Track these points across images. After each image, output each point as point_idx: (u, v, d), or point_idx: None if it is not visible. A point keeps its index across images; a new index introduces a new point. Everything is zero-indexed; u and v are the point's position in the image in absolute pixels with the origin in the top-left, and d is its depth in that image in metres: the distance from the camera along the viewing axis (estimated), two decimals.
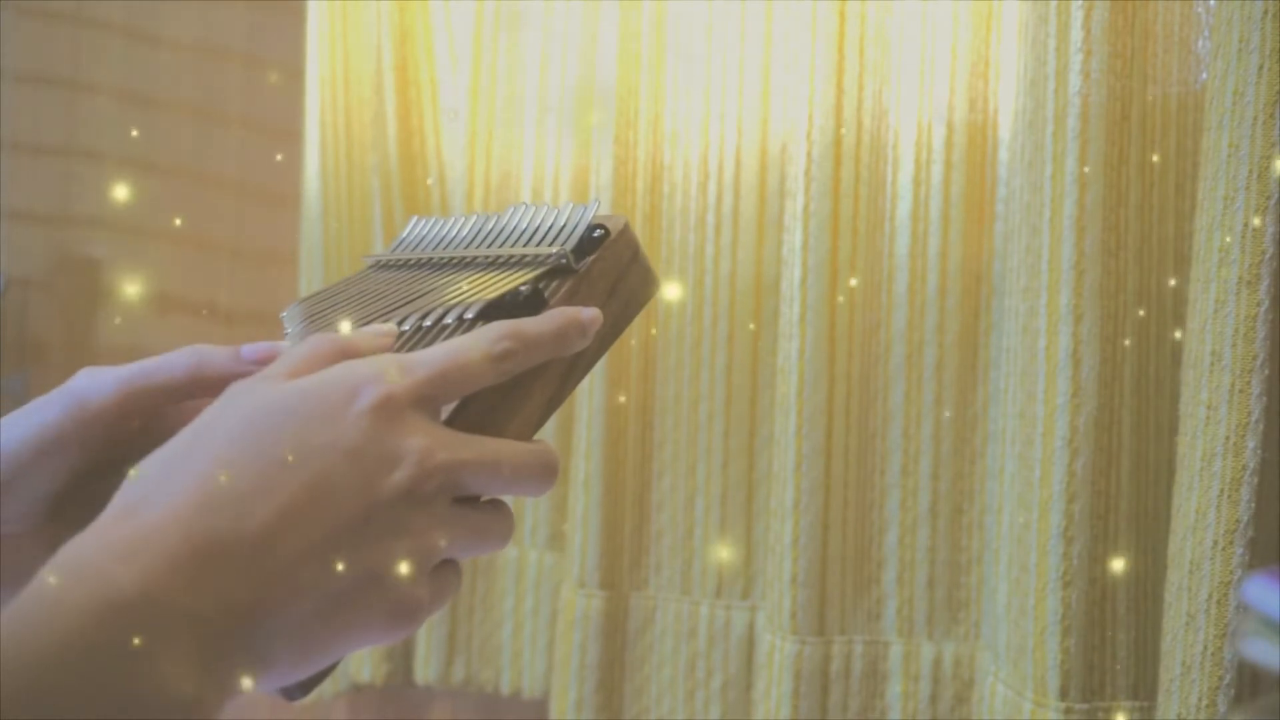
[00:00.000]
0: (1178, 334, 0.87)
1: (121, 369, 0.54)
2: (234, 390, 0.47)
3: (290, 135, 1.31)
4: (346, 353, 0.49)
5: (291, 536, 0.43)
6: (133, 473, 0.44)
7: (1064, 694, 0.86)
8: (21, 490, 0.53)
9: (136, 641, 0.39)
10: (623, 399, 1.11)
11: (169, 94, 1.46)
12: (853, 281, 1.01)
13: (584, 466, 1.11)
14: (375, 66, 1.25)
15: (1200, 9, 0.90)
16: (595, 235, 0.56)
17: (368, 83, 1.27)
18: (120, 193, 1.47)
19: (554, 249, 0.55)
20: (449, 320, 0.52)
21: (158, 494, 0.43)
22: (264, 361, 0.53)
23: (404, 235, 0.63)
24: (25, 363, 1.47)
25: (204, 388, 0.54)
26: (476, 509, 0.48)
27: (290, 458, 0.44)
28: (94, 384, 0.53)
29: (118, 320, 1.47)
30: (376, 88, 1.25)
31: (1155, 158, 0.88)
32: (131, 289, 1.48)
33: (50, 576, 0.40)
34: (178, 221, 1.45)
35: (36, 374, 1.46)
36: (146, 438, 0.53)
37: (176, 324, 1.44)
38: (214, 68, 1.46)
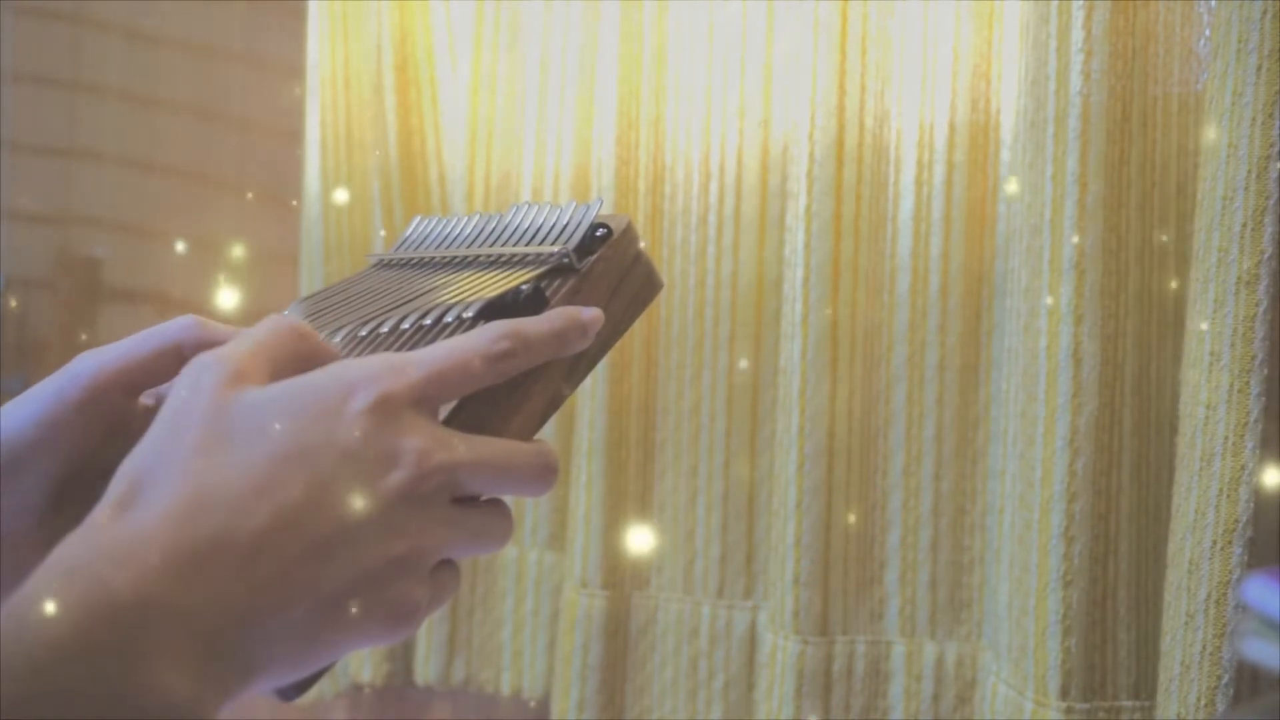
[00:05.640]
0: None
1: (121, 341, 0.53)
2: (200, 372, 0.46)
3: (290, 135, 1.31)
4: (305, 336, 0.48)
5: (288, 537, 0.42)
6: (121, 468, 0.44)
7: (1065, 693, 0.86)
8: (26, 476, 0.52)
9: (131, 644, 0.39)
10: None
11: (169, 94, 1.46)
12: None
13: (586, 467, 1.11)
14: (375, 66, 1.25)
15: (1200, 9, 0.90)
16: (598, 234, 0.56)
17: (368, 83, 1.27)
18: (120, 193, 1.47)
19: (556, 248, 0.55)
20: (449, 319, 0.52)
21: (150, 492, 0.42)
22: None
23: (407, 234, 0.63)
24: (25, 363, 1.47)
25: (205, 349, 0.54)
26: (476, 509, 0.48)
27: (286, 458, 0.43)
28: (95, 357, 0.53)
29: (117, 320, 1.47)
30: (376, 88, 1.25)
31: (1155, 158, 0.88)
32: (131, 289, 1.48)
33: (43, 579, 0.39)
34: (178, 221, 1.45)
35: (36, 374, 1.45)
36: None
37: None
38: (214, 68, 1.46)
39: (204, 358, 0.46)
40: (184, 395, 0.45)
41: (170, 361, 0.54)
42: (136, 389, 0.54)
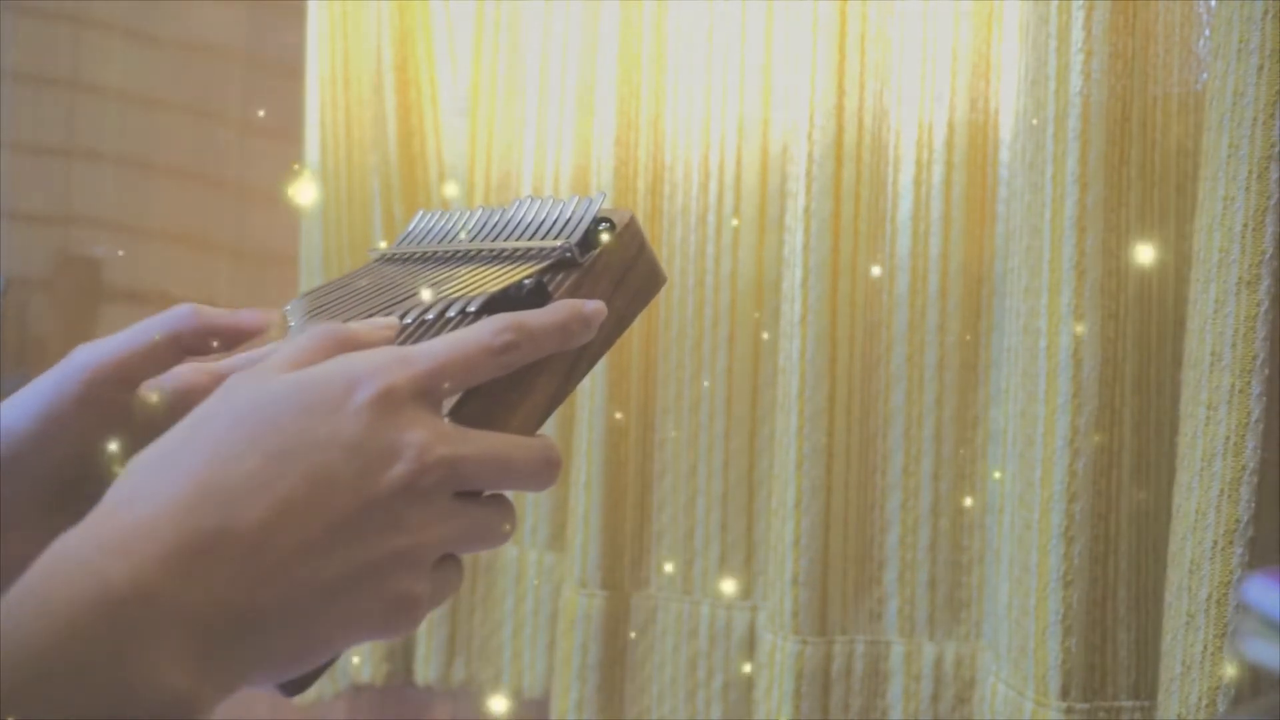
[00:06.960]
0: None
1: (119, 333, 0.54)
2: (232, 383, 0.47)
3: (290, 135, 1.31)
4: (348, 343, 0.48)
5: (289, 531, 0.42)
6: (126, 467, 0.44)
7: (1065, 694, 0.86)
8: (27, 469, 0.52)
9: (129, 637, 0.39)
10: (620, 415, 1.11)
11: (169, 94, 1.46)
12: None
13: (585, 467, 1.11)
14: (375, 66, 1.25)
15: (1200, 9, 0.90)
16: (601, 229, 0.56)
17: (368, 83, 1.27)
18: (120, 193, 1.47)
19: (559, 242, 0.55)
20: (451, 314, 0.52)
21: (151, 488, 0.42)
22: (260, 323, 0.53)
23: (409, 229, 0.63)
24: (25, 363, 1.46)
25: (203, 336, 0.54)
26: (478, 504, 0.48)
27: (287, 451, 0.43)
28: (93, 350, 0.53)
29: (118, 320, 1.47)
30: (376, 88, 1.25)
31: (1155, 158, 0.88)
32: (131, 289, 1.48)
33: (42, 572, 0.39)
34: (178, 222, 1.45)
35: (36, 374, 1.45)
36: (149, 424, 0.53)
37: None
38: (214, 68, 1.46)
39: (246, 374, 0.47)
40: (214, 404, 0.46)
41: (168, 352, 0.54)
42: (135, 381, 0.54)
